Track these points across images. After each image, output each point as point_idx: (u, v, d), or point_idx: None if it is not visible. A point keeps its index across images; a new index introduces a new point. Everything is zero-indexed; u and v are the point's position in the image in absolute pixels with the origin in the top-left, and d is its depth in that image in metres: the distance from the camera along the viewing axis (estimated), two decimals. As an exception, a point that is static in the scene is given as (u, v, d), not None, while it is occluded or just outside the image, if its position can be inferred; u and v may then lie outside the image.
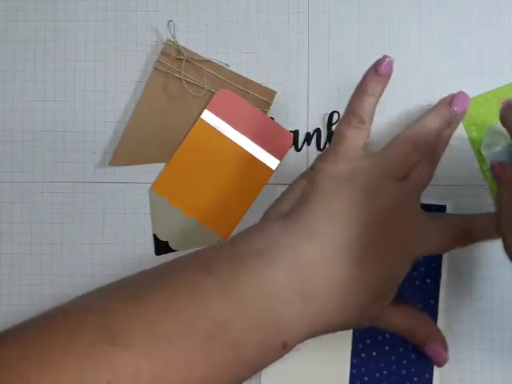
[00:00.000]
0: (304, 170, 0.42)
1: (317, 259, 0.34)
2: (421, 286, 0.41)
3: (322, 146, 0.42)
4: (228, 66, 0.42)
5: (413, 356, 0.41)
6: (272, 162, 0.42)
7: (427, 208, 0.41)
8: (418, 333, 0.38)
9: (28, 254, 0.42)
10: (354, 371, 0.41)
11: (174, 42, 0.42)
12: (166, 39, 0.42)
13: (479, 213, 0.39)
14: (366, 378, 0.41)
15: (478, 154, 0.41)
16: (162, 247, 0.42)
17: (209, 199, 0.42)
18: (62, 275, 0.42)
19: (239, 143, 0.42)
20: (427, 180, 0.38)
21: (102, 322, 0.31)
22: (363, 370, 0.41)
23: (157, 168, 0.42)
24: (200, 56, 0.42)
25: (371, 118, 0.37)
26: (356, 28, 0.42)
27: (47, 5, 0.43)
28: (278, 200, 0.38)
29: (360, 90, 0.37)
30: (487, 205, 0.42)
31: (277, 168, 0.42)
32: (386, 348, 0.41)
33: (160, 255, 0.42)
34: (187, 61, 0.42)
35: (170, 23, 0.42)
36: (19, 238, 0.42)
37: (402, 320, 0.38)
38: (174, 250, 0.42)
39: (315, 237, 0.34)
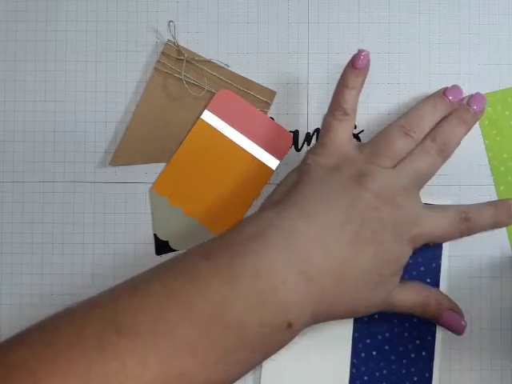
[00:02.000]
0: (304, 170, 0.42)
1: (311, 238, 0.35)
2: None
3: (321, 146, 0.42)
4: (228, 66, 0.42)
5: (412, 355, 0.41)
6: (272, 162, 0.42)
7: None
8: (430, 305, 0.38)
9: (29, 254, 0.42)
10: (353, 370, 0.41)
11: (174, 43, 0.42)
12: (166, 39, 0.42)
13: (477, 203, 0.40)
14: (365, 378, 0.41)
15: (488, 148, 0.42)
16: (162, 247, 0.42)
17: (209, 199, 0.42)
18: (62, 275, 0.42)
19: (239, 143, 0.42)
20: (425, 171, 0.38)
21: (106, 316, 0.32)
22: (363, 369, 0.41)
23: (157, 168, 0.42)
24: (200, 56, 0.42)
25: (355, 110, 0.39)
26: (356, 28, 0.43)
27: (48, 5, 0.43)
28: (272, 192, 0.40)
29: (341, 84, 0.39)
30: (481, 196, 0.42)
31: (277, 168, 0.42)
32: (386, 347, 0.41)
33: (160, 255, 0.42)
34: (187, 61, 0.42)
35: (171, 23, 0.42)
36: (20, 237, 0.42)
37: (410, 297, 0.38)
38: (174, 250, 0.42)
39: (308, 216, 0.35)
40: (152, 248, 0.42)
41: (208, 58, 0.42)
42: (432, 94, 0.41)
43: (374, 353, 0.41)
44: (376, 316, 0.41)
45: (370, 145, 0.39)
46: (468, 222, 0.38)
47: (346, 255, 0.35)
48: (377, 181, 0.36)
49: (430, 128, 0.39)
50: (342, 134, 0.39)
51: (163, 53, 0.42)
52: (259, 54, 0.43)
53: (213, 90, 0.42)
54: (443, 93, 0.40)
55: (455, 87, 0.40)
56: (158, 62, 0.42)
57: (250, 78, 0.42)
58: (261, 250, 0.34)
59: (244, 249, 0.34)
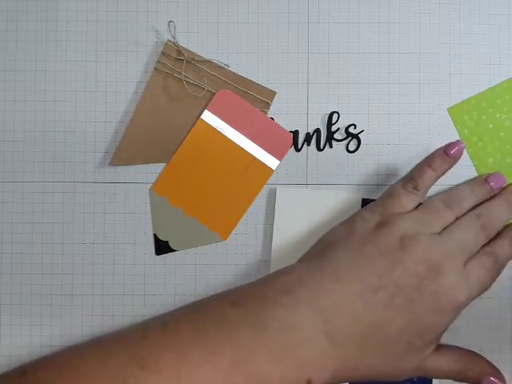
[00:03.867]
0: (304, 170, 0.42)
1: (340, 300, 0.35)
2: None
3: (321, 147, 0.42)
4: (228, 66, 0.42)
5: None
6: (272, 162, 0.42)
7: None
8: (470, 373, 0.37)
9: (29, 254, 0.42)
10: None
11: (174, 43, 0.42)
12: (166, 40, 0.42)
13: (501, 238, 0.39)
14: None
15: (473, 156, 0.42)
16: (162, 247, 0.42)
17: (209, 199, 0.42)
18: (62, 275, 0.42)
19: (239, 143, 0.42)
20: (471, 242, 0.37)
21: (133, 350, 0.33)
22: None
23: (157, 168, 0.42)
24: (200, 56, 0.42)
25: (426, 189, 0.39)
26: (356, 28, 0.43)
27: (48, 5, 0.43)
28: (318, 240, 0.39)
29: (425, 162, 0.39)
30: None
31: (277, 168, 0.42)
32: None
33: (160, 255, 0.42)
34: (187, 61, 0.42)
35: (171, 24, 0.42)
36: (20, 237, 0.42)
37: (448, 365, 0.37)
38: (174, 250, 0.42)
39: (341, 280, 0.35)
40: (152, 248, 0.42)
41: (208, 58, 0.42)
42: (472, 179, 0.41)
43: None
44: None
45: (417, 211, 0.38)
46: (497, 262, 0.38)
47: (373, 321, 0.34)
48: (422, 245, 0.36)
49: (469, 208, 0.38)
50: (404, 204, 0.38)
51: (163, 53, 0.42)
52: (259, 54, 0.43)
53: (213, 90, 0.42)
54: (485, 179, 0.40)
55: (498, 175, 0.40)
56: (158, 62, 0.42)
57: (249, 78, 0.42)
58: (289, 304, 0.34)
59: (273, 301, 0.35)
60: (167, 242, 0.42)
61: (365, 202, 0.42)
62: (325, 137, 0.42)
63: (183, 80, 0.42)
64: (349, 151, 0.42)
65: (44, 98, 0.43)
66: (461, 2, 0.43)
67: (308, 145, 0.42)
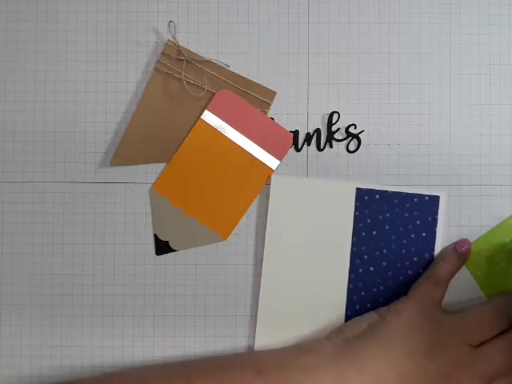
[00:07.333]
0: (304, 169, 0.42)
1: None
2: (417, 278, 0.42)
3: (321, 147, 0.42)
4: (228, 66, 0.42)
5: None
6: (272, 162, 0.42)
7: (420, 198, 0.42)
8: None
9: (29, 254, 0.42)
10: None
11: (174, 43, 0.42)
12: (166, 40, 0.42)
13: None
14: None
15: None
16: (162, 247, 0.42)
17: (209, 199, 0.42)
18: (62, 275, 0.42)
19: (239, 143, 0.42)
20: (502, 368, 0.38)
21: None
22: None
23: (157, 168, 0.42)
24: (200, 56, 0.42)
25: (446, 281, 0.41)
26: (356, 28, 0.43)
27: (48, 5, 0.43)
28: (348, 324, 0.40)
29: (439, 257, 0.42)
30: (482, 196, 0.42)
31: (277, 168, 0.42)
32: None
33: (160, 255, 0.42)
34: (188, 61, 0.42)
35: (171, 24, 0.42)
36: (20, 238, 0.42)
37: None
38: (174, 250, 0.42)
39: (362, 371, 0.37)
40: (152, 248, 0.42)
41: (208, 58, 0.42)
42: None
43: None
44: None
45: (459, 316, 0.39)
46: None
47: None
48: (448, 355, 0.37)
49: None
50: (431, 296, 0.40)
51: (163, 53, 0.42)
52: (259, 54, 0.43)
53: (213, 90, 0.42)
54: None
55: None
56: (158, 62, 0.42)
57: (249, 78, 0.42)
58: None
59: (294, 377, 0.36)
60: (167, 241, 0.42)
61: (359, 191, 0.42)
62: (325, 137, 0.42)
63: (183, 80, 0.42)
64: (349, 151, 0.42)
65: (44, 98, 0.43)
66: (461, 1, 0.43)
67: (308, 145, 0.42)
